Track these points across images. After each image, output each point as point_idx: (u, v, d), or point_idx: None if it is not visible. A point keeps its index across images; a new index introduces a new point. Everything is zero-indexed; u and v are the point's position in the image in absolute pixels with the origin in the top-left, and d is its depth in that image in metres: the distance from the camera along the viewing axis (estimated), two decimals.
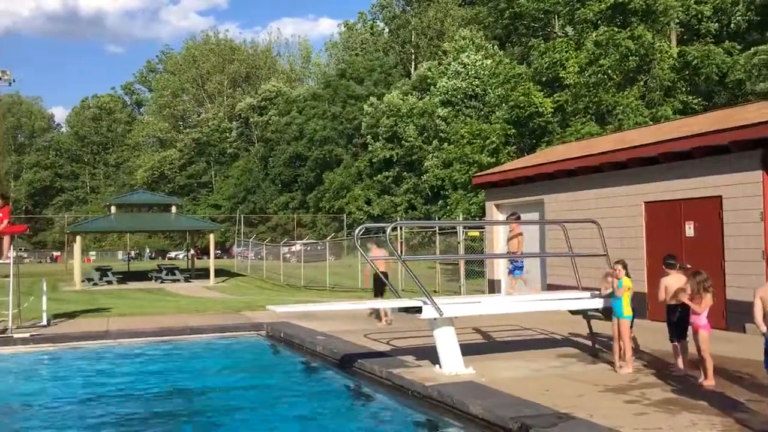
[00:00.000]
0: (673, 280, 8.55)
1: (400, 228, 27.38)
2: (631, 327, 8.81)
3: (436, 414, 7.51)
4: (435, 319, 8.78)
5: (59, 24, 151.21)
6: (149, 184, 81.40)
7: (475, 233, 23.64)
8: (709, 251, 12.17)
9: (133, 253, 71.67)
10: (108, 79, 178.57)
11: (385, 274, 14.51)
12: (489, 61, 39.80)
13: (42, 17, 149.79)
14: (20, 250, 52.22)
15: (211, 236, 36.68)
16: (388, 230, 10.02)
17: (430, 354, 9.35)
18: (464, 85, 40.75)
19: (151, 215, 40.04)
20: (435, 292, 21.28)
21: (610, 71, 27.20)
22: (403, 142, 51.81)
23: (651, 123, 23.91)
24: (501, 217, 18.91)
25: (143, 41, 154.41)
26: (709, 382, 7.76)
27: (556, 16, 34.48)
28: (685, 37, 31.37)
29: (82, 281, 31.95)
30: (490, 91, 37.88)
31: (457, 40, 46.11)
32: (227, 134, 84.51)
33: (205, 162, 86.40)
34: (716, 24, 30.81)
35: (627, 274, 8.75)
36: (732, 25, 30.75)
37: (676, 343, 8.66)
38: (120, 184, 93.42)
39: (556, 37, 33.41)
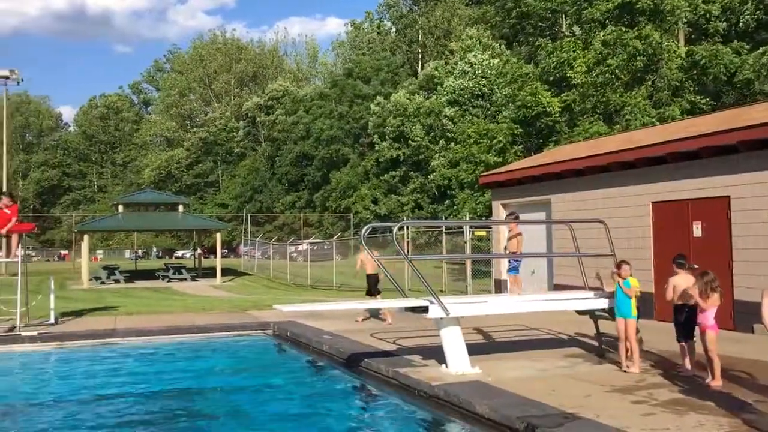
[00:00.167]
0: (682, 280, 8.52)
1: (407, 227, 27.37)
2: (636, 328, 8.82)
3: (443, 413, 7.51)
4: (441, 318, 8.78)
5: (67, 23, 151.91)
6: (156, 184, 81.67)
7: (482, 233, 23.62)
8: (717, 251, 12.13)
9: (140, 251, 71.94)
10: (116, 79, 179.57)
11: (376, 276, 14.79)
12: (496, 61, 39.76)
13: (50, 17, 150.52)
14: (28, 248, 52.46)
15: (218, 235, 36.77)
16: (395, 230, 10.02)
17: (436, 353, 9.35)
18: (471, 85, 40.72)
19: (158, 214, 40.17)
20: (441, 291, 21.28)
21: (617, 71, 27.13)
22: (409, 141, 51.81)
23: (658, 123, 23.84)
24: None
25: (151, 41, 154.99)
26: (717, 382, 7.74)
27: (563, 16, 34.42)
28: (693, 36, 31.27)
29: (90, 280, 32.08)
30: (497, 90, 37.85)
31: (464, 40, 46.07)
32: (234, 133, 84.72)
33: (212, 161, 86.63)
34: (724, 23, 30.69)
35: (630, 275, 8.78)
36: (740, 24, 30.62)
37: (683, 344, 8.63)
38: (127, 183, 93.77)
39: (563, 36, 33.35)
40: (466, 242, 21.85)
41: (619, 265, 8.92)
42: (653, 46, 26.66)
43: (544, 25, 35.88)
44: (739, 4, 30.12)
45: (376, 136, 56.37)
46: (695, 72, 27.55)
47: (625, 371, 8.60)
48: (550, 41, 32.36)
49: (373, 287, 14.86)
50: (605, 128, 26.34)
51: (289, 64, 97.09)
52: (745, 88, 27.85)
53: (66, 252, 75.84)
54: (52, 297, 15.31)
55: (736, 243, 11.94)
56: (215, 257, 36.75)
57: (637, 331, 8.86)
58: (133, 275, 36.72)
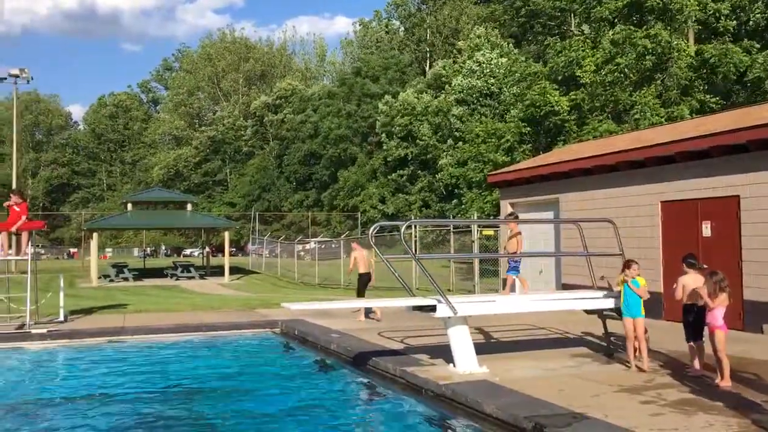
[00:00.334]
0: (691, 280, 8.49)
1: (415, 226, 27.36)
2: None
3: (450, 413, 7.51)
4: (449, 317, 8.78)
5: (76, 22, 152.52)
6: (165, 182, 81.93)
7: (490, 232, 23.60)
8: (726, 251, 12.07)
9: (148, 250, 72.22)
10: (125, 77, 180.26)
11: (368, 275, 14.99)
12: (504, 60, 39.68)
13: (59, 16, 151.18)
14: (38, 246, 52.74)
15: (226, 234, 36.85)
16: (403, 229, 10.02)
17: (444, 353, 9.35)
18: (479, 84, 40.67)
19: (166, 213, 40.29)
20: (449, 290, 21.27)
21: (626, 70, 27.03)
22: (417, 141, 51.78)
23: (667, 122, 23.74)
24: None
25: (160, 39, 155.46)
26: (726, 382, 7.71)
27: (572, 15, 34.32)
28: (702, 35, 31.10)
29: (99, 278, 32.23)
30: (505, 89, 37.78)
31: (472, 39, 46.01)
32: (242, 132, 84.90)
33: (221, 160, 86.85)
34: (734, 22, 30.51)
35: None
36: (750, 23, 30.45)
37: (692, 344, 8.60)
38: (136, 182, 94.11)
39: (572, 35, 33.27)
40: (473, 241, 21.83)
41: (628, 265, 8.90)
42: (662, 45, 26.53)
43: (552, 23, 35.79)
44: (749, 3, 29.96)
45: (383, 135, 56.37)
46: (705, 71, 27.41)
47: (637, 369, 8.60)
48: (558, 40, 32.26)
49: (362, 287, 15.03)
50: (615, 126, 26.25)
51: (298, 63, 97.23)
52: (756, 87, 27.69)
53: (75, 250, 76.18)
54: (61, 295, 15.40)
55: (745, 243, 11.87)
56: (223, 256, 36.83)
57: (645, 331, 8.85)
58: (142, 273, 36.87)
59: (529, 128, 30.32)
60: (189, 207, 38.15)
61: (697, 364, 8.52)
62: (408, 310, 15.07)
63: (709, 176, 12.62)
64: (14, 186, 41.77)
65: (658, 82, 27.77)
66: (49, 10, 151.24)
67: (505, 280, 19.04)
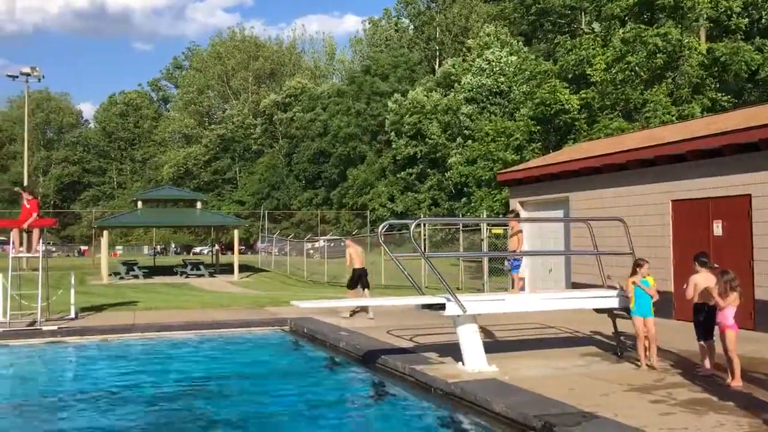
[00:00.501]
0: (702, 279, 8.45)
1: (424, 225, 27.34)
2: None
3: (459, 411, 7.50)
4: (458, 316, 8.77)
5: (87, 21, 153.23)
6: (175, 180, 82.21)
7: (499, 230, 23.56)
8: (738, 250, 11.99)
9: (158, 247, 72.48)
10: (135, 76, 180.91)
11: (362, 271, 15.32)
12: (514, 58, 39.57)
13: (70, 14, 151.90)
14: (49, 244, 53.10)
15: (236, 232, 36.94)
16: (412, 227, 10.02)
17: (453, 351, 9.34)
18: (489, 82, 40.59)
19: (176, 211, 40.43)
20: (458, 289, 21.24)
21: (637, 68, 26.89)
22: (426, 139, 51.74)
23: (678, 121, 23.62)
24: (525, 214, 18.82)
25: (170, 38, 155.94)
26: (736, 382, 7.67)
27: (582, 13, 34.18)
28: (714, 33, 30.89)
29: (109, 275, 32.38)
30: (515, 88, 37.68)
31: (482, 37, 45.92)
32: (252, 130, 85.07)
33: (230, 158, 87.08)
34: (746, 20, 30.29)
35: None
36: (763, 20, 30.21)
37: (702, 343, 8.56)
38: (146, 180, 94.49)
39: (582, 33, 33.13)
40: (483, 240, 21.80)
41: (639, 264, 8.87)
42: (673, 43, 26.38)
43: (563, 21, 35.65)
44: (761, 0, 29.72)
45: (393, 133, 56.36)
46: (716, 69, 27.23)
47: (647, 367, 8.58)
48: (568, 38, 32.14)
49: (354, 281, 15.44)
50: (626, 124, 26.12)
51: (307, 61, 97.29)
52: None
53: (86, 248, 76.56)
54: (72, 292, 15.49)
55: (757, 242, 11.79)
56: (232, 254, 36.91)
57: None
58: (152, 271, 37.01)
59: (539, 127, 30.22)
60: (199, 205, 38.26)
61: (707, 363, 8.48)
62: (417, 309, 15.19)
63: (720, 175, 12.55)
64: (25, 184, 42.02)
65: (669, 80, 27.61)
66: (60, 9, 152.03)
67: (513, 279, 19.02)
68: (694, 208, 13.14)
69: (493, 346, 10.04)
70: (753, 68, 27.00)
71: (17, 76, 41.68)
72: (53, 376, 10.37)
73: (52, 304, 15.36)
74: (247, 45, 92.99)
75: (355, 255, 15.45)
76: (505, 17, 44.48)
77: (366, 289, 15.53)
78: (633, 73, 27.07)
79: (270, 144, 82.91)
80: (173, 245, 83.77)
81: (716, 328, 8.15)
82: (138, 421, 7.65)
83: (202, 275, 34.29)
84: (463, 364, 8.77)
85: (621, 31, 28.02)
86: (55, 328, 13.45)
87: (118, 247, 78.34)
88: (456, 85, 47.41)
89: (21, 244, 14.79)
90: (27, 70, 41.04)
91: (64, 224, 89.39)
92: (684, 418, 6.40)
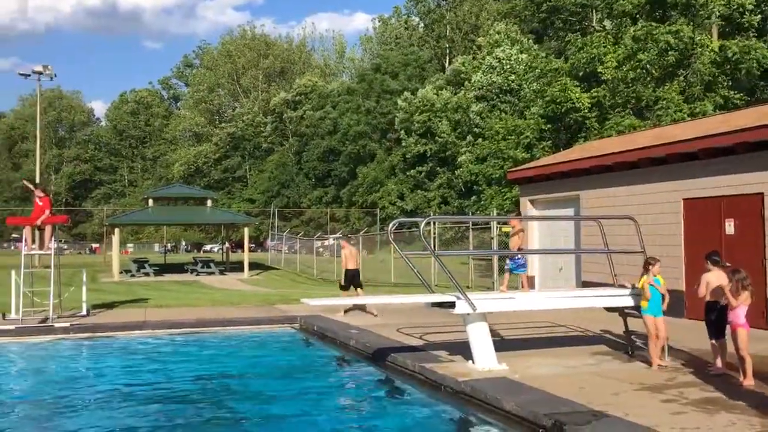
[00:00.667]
0: (714, 277, 8.40)
1: (434, 223, 27.33)
2: None
3: (469, 409, 7.49)
4: (468, 314, 8.76)
5: (99, 20, 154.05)
6: (185, 178, 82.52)
7: (509, 228, 23.47)
8: (750, 249, 11.91)
9: (169, 245, 72.81)
10: (146, 74, 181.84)
11: (355, 271, 15.58)
12: (524, 56, 39.44)
13: (82, 13, 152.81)
14: (60, 241, 53.44)
15: (246, 230, 37.03)
16: (422, 225, 10.02)
17: (463, 349, 9.33)
18: (499, 80, 40.47)
19: (187, 208, 40.57)
20: (468, 287, 21.21)
21: (649, 66, 26.74)
22: (436, 137, 51.67)
23: (690, 118, 23.47)
24: (535, 212, 18.78)
25: (180, 36, 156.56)
26: (749, 381, 7.62)
27: (593, 10, 34.01)
28: (726, 30, 30.67)
29: (120, 273, 32.55)
30: (525, 86, 37.56)
31: (492, 35, 45.80)
32: (262, 129, 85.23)
33: (240, 156, 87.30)
34: (759, 17, 30.03)
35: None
36: None
37: (714, 342, 8.52)
38: (157, 178, 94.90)
39: (593, 31, 32.96)
40: (493, 238, 21.76)
41: (652, 263, 8.83)
42: (685, 40, 26.20)
43: (574, 19, 35.47)
44: None
45: (402, 131, 56.32)
46: (728, 67, 27.03)
47: (658, 367, 8.56)
48: (579, 36, 32.00)
49: (347, 281, 15.60)
50: (638, 122, 25.99)
51: (317, 59, 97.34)
52: None
53: (97, 245, 77.05)
54: (84, 289, 15.60)
55: None
56: (243, 251, 37.02)
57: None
58: (163, 269, 37.16)
59: (549, 125, 30.12)
60: (209, 203, 38.38)
61: (719, 362, 8.43)
62: (427, 307, 15.19)
63: (732, 173, 12.46)
64: (37, 182, 42.28)
65: (681, 78, 27.44)
66: (72, 7, 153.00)
67: (521, 279, 18.98)
68: (706, 207, 13.06)
69: (504, 344, 10.02)
70: (765, 66, 26.78)
71: (29, 75, 41.89)
72: (65, 372, 10.43)
73: (64, 302, 15.48)
74: (258, 43, 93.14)
75: (349, 255, 15.68)
76: (515, 15, 44.30)
77: (359, 289, 15.77)
78: (644, 71, 26.92)
79: (280, 142, 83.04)
80: (184, 243, 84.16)
81: (728, 326, 8.11)
82: (150, 419, 7.68)
83: (212, 273, 34.41)
84: (473, 362, 8.76)
85: (632, 29, 27.86)
86: (67, 325, 13.55)
87: (129, 245, 78.77)
88: (466, 83, 47.32)
89: (33, 241, 14.89)
90: (39, 68, 41.23)
91: (76, 222, 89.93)
92: (695, 418, 6.37)
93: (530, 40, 42.50)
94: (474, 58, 50.71)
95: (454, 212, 49.82)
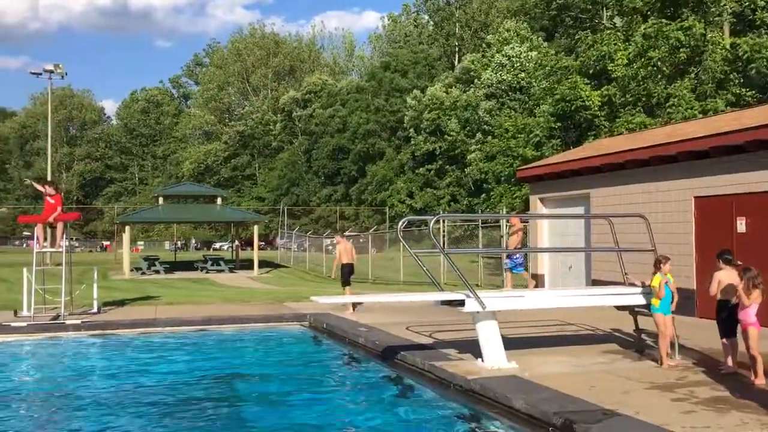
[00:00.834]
0: (726, 276, 8.36)
1: (443, 221, 27.31)
2: None
3: (478, 407, 7.49)
4: (478, 312, 8.75)
5: (109, 19, 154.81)
6: (195, 176, 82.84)
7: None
8: (762, 248, 11.81)
9: (179, 243, 73.11)
10: (156, 73, 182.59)
11: (350, 266, 15.76)
12: (534, 53, 39.30)
13: (93, 12, 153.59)
14: (72, 239, 53.84)
15: (255, 228, 37.14)
16: (431, 223, 10.02)
17: (472, 347, 9.32)
18: (509, 78, 40.35)
19: (197, 206, 40.74)
20: (477, 285, 21.18)
21: (659, 63, 26.58)
22: (445, 136, 51.61)
23: (701, 116, 23.33)
24: (545, 210, 18.73)
25: (190, 35, 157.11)
26: (760, 381, 7.58)
27: (603, 8, 33.84)
28: (738, 27, 30.44)
29: (131, 270, 32.72)
30: (534, 83, 37.43)
31: (501, 32, 45.68)
32: (271, 127, 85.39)
33: (250, 154, 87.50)
34: None
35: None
36: None
37: (725, 341, 8.47)
38: (167, 176, 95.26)
39: (603, 28, 32.80)
40: (502, 236, 21.72)
41: (663, 261, 8.79)
42: (696, 37, 26.03)
43: (584, 17, 35.29)
44: None
45: (412, 129, 56.28)
46: (740, 64, 26.83)
47: (668, 366, 8.52)
48: (590, 33, 31.85)
49: (346, 276, 15.76)
50: (649, 120, 25.85)
51: (326, 57, 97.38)
52: None
53: (108, 243, 77.52)
54: (95, 287, 15.68)
55: None
56: (252, 249, 37.13)
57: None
58: (173, 266, 37.33)
59: (559, 123, 30.01)
60: (219, 201, 38.52)
61: (730, 361, 8.39)
62: (436, 305, 15.17)
63: (744, 171, 12.37)
64: (49, 179, 42.52)
65: (693, 75, 27.27)
66: (83, 7, 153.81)
67: (534, 276, 18.94)
68: (717, 205, 12.98)
69: (513, 342, 10.00)
70: None
71: (41, 74, 42.14)
72: (76, 369, 10.50)
73: (75, 299, 15.57)
74: (267, 42, 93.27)
75: (343, 251, 15.83)
76: (525, 12, 44.16)
77: (346, 285, 15.96)
78: (655, 69, 26.77)
79: (289, 140, 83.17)
80: (194, 241, 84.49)
81: (739, 325, 8.07)
82: (154, 417, 7.71)
83: (222, 271, 34.53)
84: (482, 360, 8.75)
85: (643, 26, 27.69)
86: (78, 322, 13.63)
87: (139, 243, 79.19)
88: (475, 80, 47.22)
89: (45, 239, 14.98)
90: (50, 67, 41.48)
91: (87, 220, 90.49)
92: (706, 417, 6.34)
93: (540, 38, 42.33)
94: (483, 56, 50.59)
95: (463, 210, 49.74)
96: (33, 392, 9.18)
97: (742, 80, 27.18)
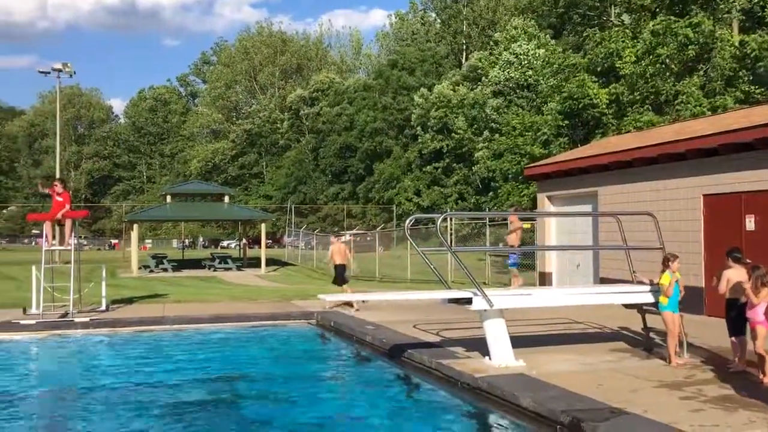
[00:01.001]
0: (735, 274, 8.32)
1: (450, 219, 27.27)
2: None
3: (486, 406, 7.48)
4: (485, 310, 8.74)
5: (117, 18, 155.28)
6: (203, 175, 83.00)
7: (527, 225, 23.37)
8: None
9: (187, 241, 73.29)
10: (164, 71, 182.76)
11: (343, 266, 16.03)
12: (542, 51, 39.18)
13: (101, 11, 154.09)
14: (80, 237, 53.98)
15: (263, 226, 37.19)
16: (438, 221, 10.01)
17: (479, 346, 9.32)
18: (516, 75, 40.23)
19: (204, 205, 40.82)
20: (484, 283, 21.13)
21: (668, 60, 26.46)
22: (453, 133, 51.53)
23: (710, 113, 23.21)
24: (552, 208, 18.68)
25: (198, 34, 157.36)
26: None
27: (611, 5, 33.72)
28: (747, 24, 30.26)
29: (139, 268, 32.82)
30: (542, 81, 37.32)
31: (509, 30, 45.55)
32: (278, 125, 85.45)
33: (257, 153, 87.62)
34: None
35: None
36: None
37: (734, 339, 8.44)
38: (175, 174, 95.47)
39: (612, 25, 32.68)
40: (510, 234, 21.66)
41: (672, 259, 8.76)
42: (705, 34, 25.90)
43: (592, 14, 35.18)
44: None
45: (419, 127, 56.22)
46: (748, 62, 26.68)
47: (677, 364, 8.50)
48: (597, 31, 31.73)
49: (339, 277, 15.98)
50: (657, 117, 25.73)
51: (333, 56, 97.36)
52: None
53: (116, 241, 77.76)
54: (103, 284, 15.75)
55: None
56: (260, 247, 37.18)
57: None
58: (181, 264, 37.41)
59: (566, 121, 29.93)
60: (226, 199, 38.58)
61: (738, 360, 8.35)
62: (443, 303, 15.15)
63: (753, 169, 12.31)
64: (58, 177, 42.63)
65: (701, 72, 27.13)
66: (91, 5, 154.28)
67: (542, 274, 18.92)
68: (726, 203, 12.92)
69: (521, 340, 9.99)
70: None
71: (49, 72, 42.26)
72: (84, 367, 10.55)
73: (84, 297, 15.63)
74: (274, 40, 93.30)
75: (336, 251, 16.10)
76: (533, 10, 43.98)
77: (335, 284, 16.21)
78: (663, 66, 26.65)
79: (296, 138, 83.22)
80: (201, 239, 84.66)
81: (747, 324, 8.03)
82: (159, 415, 7.74)
83: (229, 269, 34.60)
84: (489, 358, 8.74)
85: (651, 23, 27.57)
86: (86, 319, 13.69)
87: (147, 241, 79.39)
88: (483, 78, 47.09)
89: (54, 237, 15.05)
90: (59, 66, 41.60)
91: (95, 218, 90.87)
92: (714, 415, 6.32)
93: (548, 35, 42.19)
94: (491, 54, 50.45)
95: (470, 208, 49.63)
96: (40, 389, 9.22)
97: (750, 78, 27.03)
